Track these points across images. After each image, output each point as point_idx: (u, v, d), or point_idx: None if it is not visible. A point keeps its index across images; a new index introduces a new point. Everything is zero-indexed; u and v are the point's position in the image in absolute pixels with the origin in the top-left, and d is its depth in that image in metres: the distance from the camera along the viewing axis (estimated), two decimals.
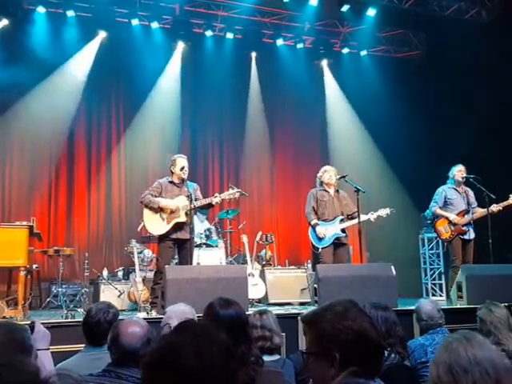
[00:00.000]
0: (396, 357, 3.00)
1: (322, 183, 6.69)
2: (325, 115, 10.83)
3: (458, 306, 5.90)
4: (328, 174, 6.65)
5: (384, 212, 6.54)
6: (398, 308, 5.34)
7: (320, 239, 6.43)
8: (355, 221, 6.44)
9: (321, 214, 6.55)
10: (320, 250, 6.42)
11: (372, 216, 6.53)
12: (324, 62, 10.72)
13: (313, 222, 6.50)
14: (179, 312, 2.92)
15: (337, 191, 6.72)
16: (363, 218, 6.38)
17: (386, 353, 2.92)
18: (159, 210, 6.00)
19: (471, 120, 9.09)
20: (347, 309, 1.65)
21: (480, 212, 6.78)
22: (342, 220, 6.54)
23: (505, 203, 6.67)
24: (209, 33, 9.87)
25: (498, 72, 8.56)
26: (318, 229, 6.44)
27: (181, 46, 9.84)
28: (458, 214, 6.80)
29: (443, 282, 8.75)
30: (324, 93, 10.66)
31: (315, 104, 10.70)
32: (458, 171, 6.92)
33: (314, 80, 10.39)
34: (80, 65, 9.25)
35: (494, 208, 6.65)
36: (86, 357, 2.90)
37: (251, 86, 10.46)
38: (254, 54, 10.46)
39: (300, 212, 6.75)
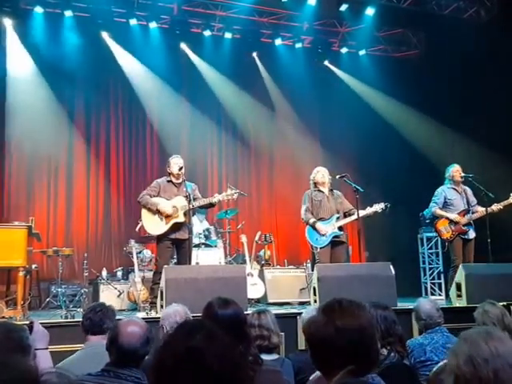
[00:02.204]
0: (395, 356, 2.99)
1: (315, 184, 6.67)
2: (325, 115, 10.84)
3: (457, 305, 5.90)
4: (320, 173, 6.65)
5: (379, 207, 6.53)
6: (398, 307, 5.34)
7: (317, 239, 6.42)
8: (353, 217, 6.42)
9: (316, 214, 6.50)
10: (319, 249, 6.41)
11: (368, 211, 6.53)
12: (326, 62, 10.74)
13: (311, 221, 6.44)
14: (173, 314, 2.92)
15: (331, 190, 6.70)
16: (361, 213, 6.37)
17: (385, 351, 2.93)
18: (157, 210, 6.00)
19: (470, 119, 9.09)
20: (331, 307, 1.72)
21: (480, 212, 6.73)
22: (338, 218, 6.53)
23: (505, 202, 6.63)
24: (207, 33, 9.85)
25: (497, 71, 8.56)
26: (318, 226, 6.39)
27: (183, 46, 9.90)
28: (458, 214, 6.78)
29: (442, 281, 8.76)
30: (324, 92, 10.63)
31: (315, 104, 10.69)
32: (456, 171, 6.87)
33: (314, 79, 10.37)
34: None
35: (495, 207, 6.62)
36: (88, 353, 2.92)
37: (255, 86, 10.47)
38: (255, 54, 10.45)
39: (299, 211, 6.72)
